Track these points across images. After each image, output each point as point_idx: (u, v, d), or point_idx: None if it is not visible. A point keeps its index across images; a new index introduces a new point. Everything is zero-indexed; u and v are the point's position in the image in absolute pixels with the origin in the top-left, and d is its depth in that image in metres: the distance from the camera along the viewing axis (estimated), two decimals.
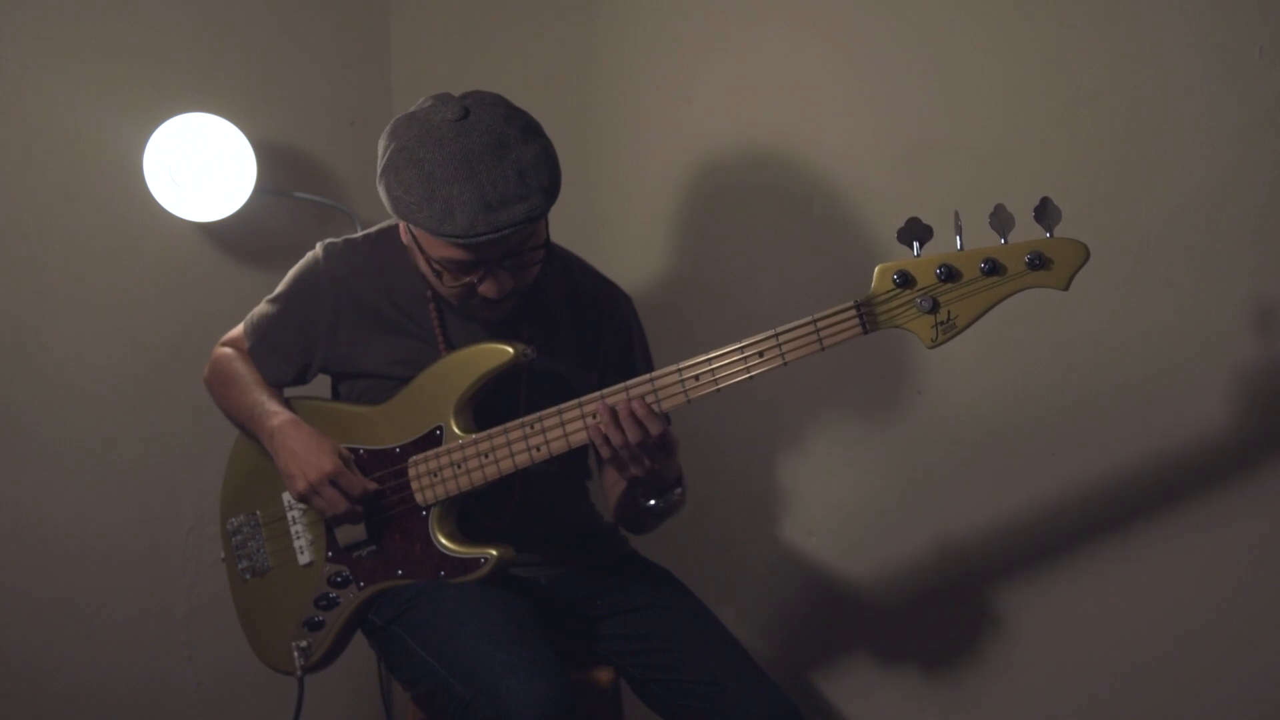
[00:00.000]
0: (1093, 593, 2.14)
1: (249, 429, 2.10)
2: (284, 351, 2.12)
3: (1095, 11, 2.06)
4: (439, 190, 1.82)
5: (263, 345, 2.14)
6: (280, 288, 2.13)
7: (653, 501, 1.99)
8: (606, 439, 1.85)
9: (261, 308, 2.15)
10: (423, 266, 1.94)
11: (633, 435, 1.83)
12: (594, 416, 1.86)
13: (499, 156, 1.83)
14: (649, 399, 1.84)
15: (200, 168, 2.56)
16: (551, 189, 1.87)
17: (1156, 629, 2.08)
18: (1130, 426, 2.08)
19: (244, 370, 2.14)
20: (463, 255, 1.86)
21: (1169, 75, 1.99)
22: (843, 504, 2.45)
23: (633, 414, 1.83)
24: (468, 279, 1.90)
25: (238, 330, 2.20)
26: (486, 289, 1.91)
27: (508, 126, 1.86)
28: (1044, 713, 2.22)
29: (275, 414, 2.04)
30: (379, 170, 1.88)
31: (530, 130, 1.89)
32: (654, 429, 1.83)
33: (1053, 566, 2.18)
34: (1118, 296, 2.04)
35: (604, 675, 2.10)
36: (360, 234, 2.13)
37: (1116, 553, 2.12)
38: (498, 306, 1.95)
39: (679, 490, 2.01)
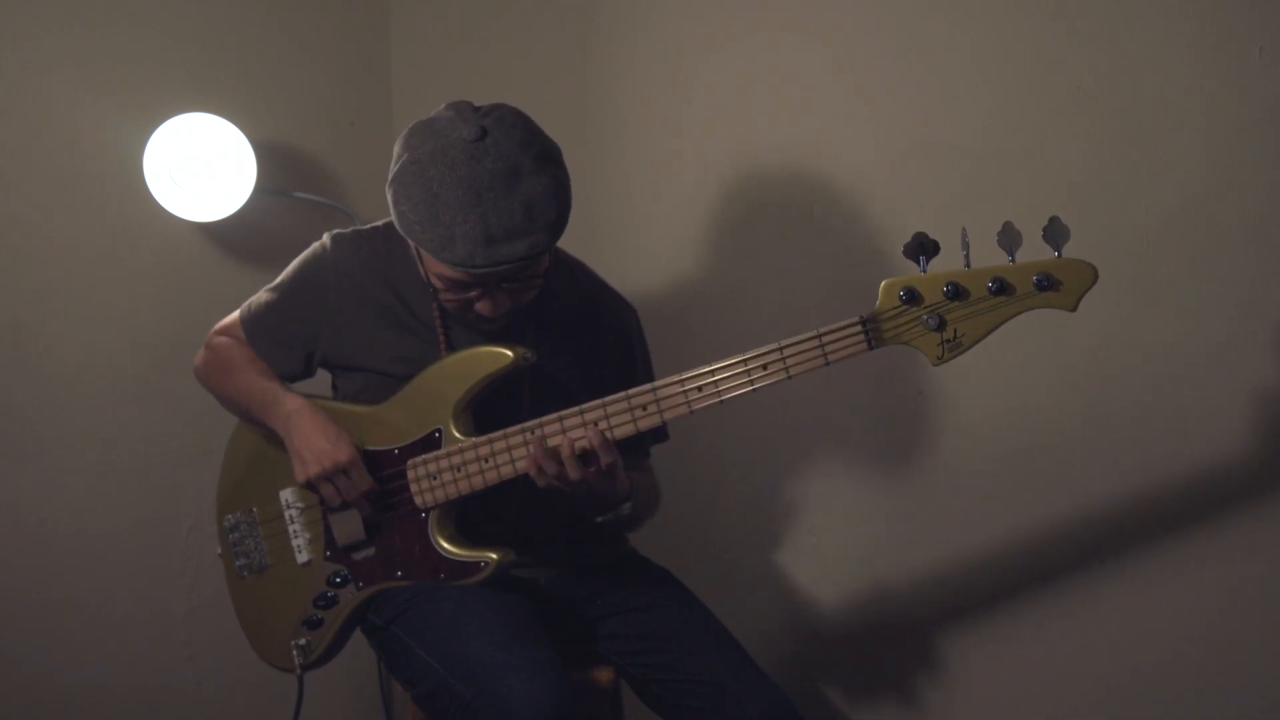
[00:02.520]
0: (1094, 593, 2.14)
1: (257, 415, 2.08)
2: (285, 342, 2.10)
3: (1095, 11, 2.06)
4: (443, 215, 1.80)
5: (261, 335, 2.12)
6: (283, 277, 2.12)
7: (599, 519, 2.00)
8: (541, 469, 1.87)
9: (260, 297, 2.13)
10: (423, 274, 1.95)
11: (573, 473, 1.86)
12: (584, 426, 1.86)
13: (509, 187, 1.81)
14: (649, 408, 1.83)
15: (200, 168, 2.56)
16: (557, 225, 1.85)
17: (1159, 631, 2.08)
18: (1133, 428, 2.08)
19: (247, 358, 2.12)
20: (461, 277, 1.87)
21: (1169, 75, 1.99)
22: (843, 504, 2.45)
23: (553, 456, 1.86)
24: (465, 296, 1.91)
25: (232, 319, 2.17)
26: (483, 307, 1.91)
27: (523, 154, 1.83)
28: (1045, 713, 2.21)
29: (291, 398, 2.03)
30: (389, 178, 1.87)
31: (545, 159, 1.86)
32: (606, 457, 1.86)
33: (1054, 568, 2.18)
34: (1119, 298, 2.04)
35: (604, 675, 2.10)
36: (369, 226, 2.12)
37: (1119, 556, 2.11)
38: (493, 321, 1.95)
39: (628, 505, 2.00)
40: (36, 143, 2.49)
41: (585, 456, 1.87)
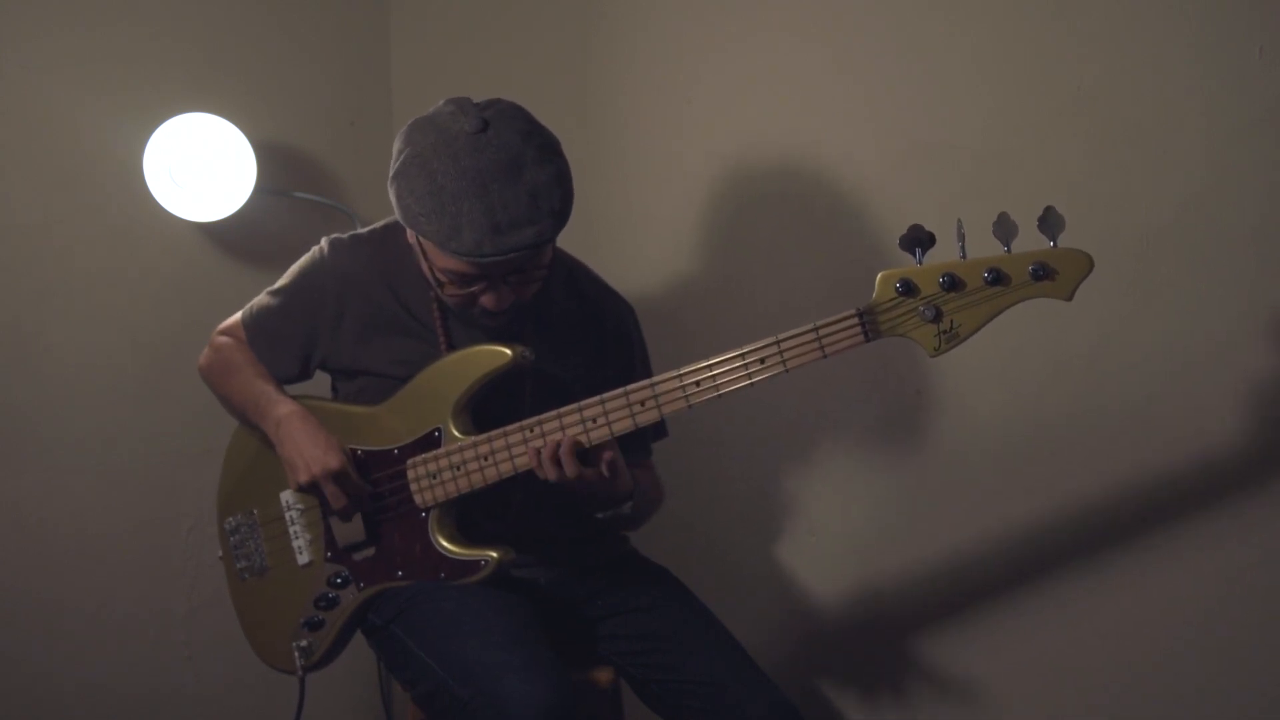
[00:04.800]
0: (1094, 589, 2.14)
1: (251, 418, 2.09)
2: (284, 345, 2.11)
3: (1095, 11, 2.06)
4: (449, 205, 1.80)
5: (262, 338, 2.12)
6: (283, 281, 2.12)
7: (600, 515, 2.01)
8: (542, 468, 1.88)
9: (261, 299, 2.14)
10: (426, 271, 1.94)
11: (570, 471, 1.86)
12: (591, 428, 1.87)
13: (513, 176, 1.81)
14: (648, 404, 1.84)
15: (200, 168, 2.56)
16: (562, 213, 1.86)
17: (1162, 630, 2.08)
18: (1132, 425, 2.08)
19: (247, 360, 2.13)
20: (467, 269, 1.86)
21: (1169, 75, 1.99)
22: (842, 503, 2.45)
23: (566, 453, 1.86)
24: (470, 290, 1.91)
25: (235, 319, 2.18)
26: (488, 301, 1.91)
27: (525, 145, 1.84)
28: (1047, 710, 2.21)
29: (282, 403, 2.04)
30: (391, 173, 1.87)
31: (547, 150, 1.87)
32: (570, 470, 1.87)
33: (1055, 565, 2.18)
34: (1119, 297, 2.04)
35: (604, 675, 2.10)
36: (366, 230, 2.12)
37: (1118, 551, 2.11)
38: (497, 316, 1.95)
39: (629, 504, 2.01)
40: (36, 143, 2.49)
41: (585, 455, 1.88)
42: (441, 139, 1.83)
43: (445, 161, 1.81)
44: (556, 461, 1.87)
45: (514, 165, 1.82)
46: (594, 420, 1.86)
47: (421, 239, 1.89)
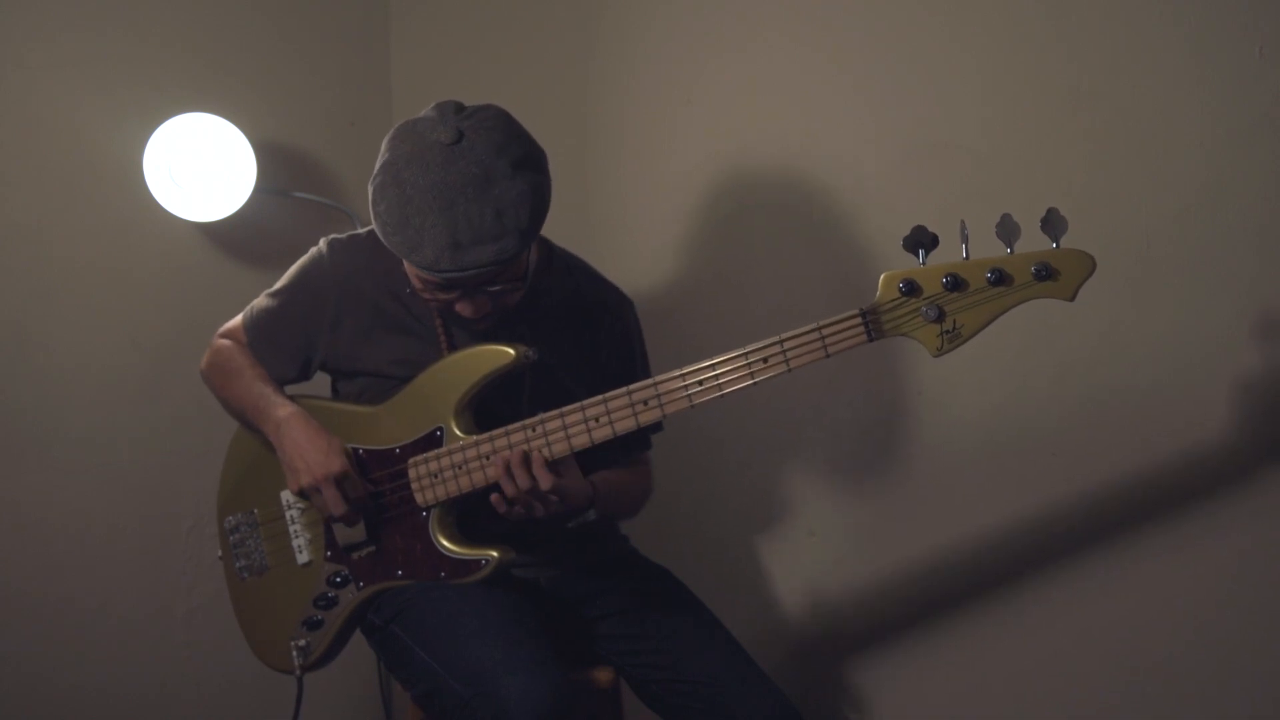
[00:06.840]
0: (1096, 595, 2.14)
1: (252, 420, 2.09)
2: (284, 347, 2.11)
3: (1094, 11, 2.06)
4: (413, 218, 1.81)
5: (262, 340, 2.13)
6: (282, 282, 2.12)
7: (569, 525, 2.05)
8: (512, 481, 1.89)
9: (261, 301, 2.14)
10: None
11: (523, 483, 1.87)
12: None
13: (481, 191, 1.81)
14: (650, 403, 1.84)
15: (200, 168, 2.56)
16: (529, 230, 1.84)
17: (1161, 630, 2.09)
18: (1132, 426, 2.09)
19: (247, 363, 2.13)
20: (434, 279, 1.87)
21: (1169, 75, 2.00)
22: (843, 503, 2.45)
23: (525, 463, 1.87)
24: (445, 296, 1.91)
25: (236, 322, 2.18)
26: (463, 309, 1.91)
27: (498, 158, 1.83)
28: (1050, 713, 2.21)
29: (282, 405, 2.04)
30: (370, 178, 1.88)
31: (522, 164, 1.85)
32: (544, 482, 1.87)
33: (1056, 563, 2.19)
34: (1119, 297, 2.04)
35: (604, 675, 2.10)
36: (365, 230, 2.11)
37: (1119, 553, 2.12)
38: (477, 322, 1.95)
39: (592, 511, 2.04)
40: (37, 143, 2.48)
41: (552, 466, 1.90)
42: (416, 149, 1.83)
43: (415, 173, 1.82)
44: (526, 469, 1.87)
45: (484, 179, 1.81)
46: (596, 420, 1.86)
47: None
